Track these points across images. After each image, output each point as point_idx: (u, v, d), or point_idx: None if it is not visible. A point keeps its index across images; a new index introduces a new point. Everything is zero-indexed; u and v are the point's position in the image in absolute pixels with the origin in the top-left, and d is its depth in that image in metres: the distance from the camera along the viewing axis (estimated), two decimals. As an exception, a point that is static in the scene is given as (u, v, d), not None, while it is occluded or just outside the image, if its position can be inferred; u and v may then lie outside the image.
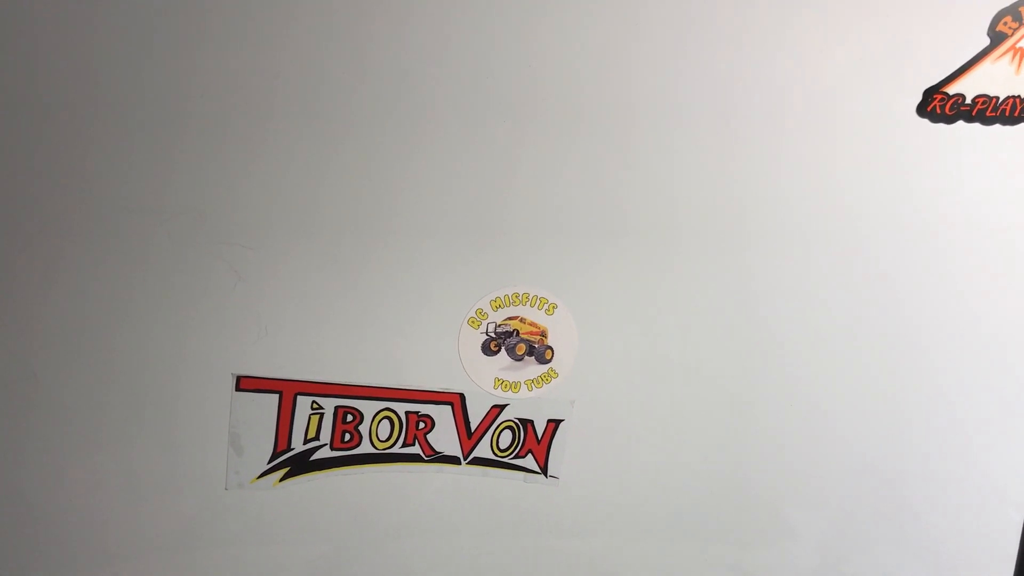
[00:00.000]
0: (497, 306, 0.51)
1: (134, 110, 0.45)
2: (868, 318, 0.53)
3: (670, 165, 0.49)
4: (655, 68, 0.47)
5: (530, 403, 0.53)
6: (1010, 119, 0.49)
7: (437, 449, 0.53)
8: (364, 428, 0.52)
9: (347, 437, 0.52)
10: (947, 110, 0.49)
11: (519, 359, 0.52)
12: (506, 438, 0.53)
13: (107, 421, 0.50)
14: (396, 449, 0.53)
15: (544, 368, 0.52)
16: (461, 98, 0.47)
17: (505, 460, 0.54)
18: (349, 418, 0.52)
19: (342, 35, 0.45)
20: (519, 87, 0.47)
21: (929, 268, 0.52)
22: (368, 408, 0.52)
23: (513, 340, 0.51)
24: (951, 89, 0.48)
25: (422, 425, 0.52)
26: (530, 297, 0.51)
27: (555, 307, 0.51)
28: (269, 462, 0.52)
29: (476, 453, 0.53)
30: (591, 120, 0.48)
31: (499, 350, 0.52)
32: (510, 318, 0.51)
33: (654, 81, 0.47)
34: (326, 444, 0.52)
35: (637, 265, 0.51)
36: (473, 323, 0.51)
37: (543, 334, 0.52)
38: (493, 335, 0.51)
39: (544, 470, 0.54)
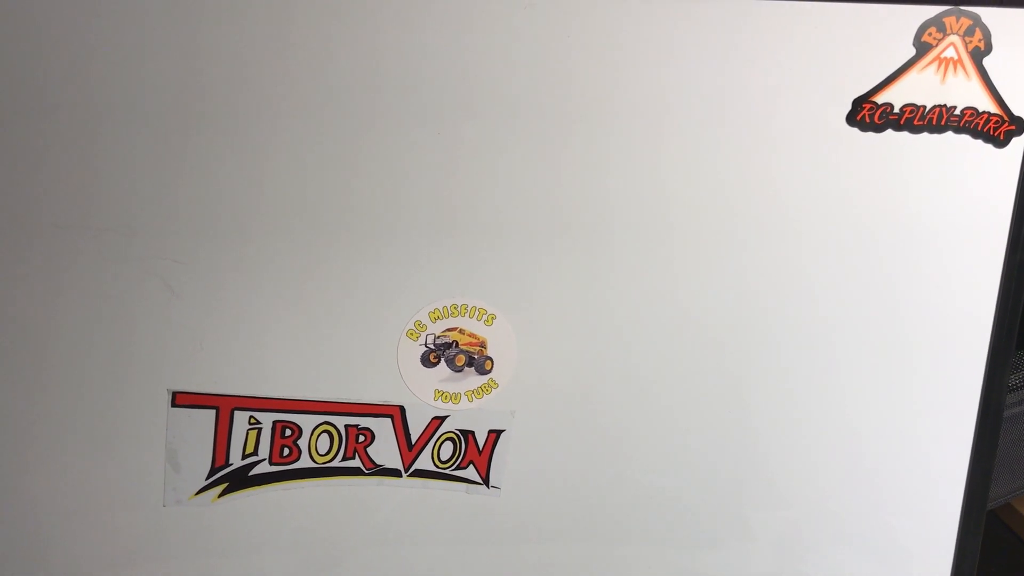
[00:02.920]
0: (436, 317, 0.51)
1: (57, 123, 0.45)
2: (810, 319, 0.54)
3: (604, 172, 0.49)
4: (589, 76, 0.47)
5: (471, 414, 0.53)
6: (937, 128, 0.50)
7: (377, 462, 0.53)
8: (303, 442, 0.52)
9: (286, 452, 0.52)
10: (876, 119, 0.49)
11: (459, 370, 0.52)
12: (447, 449, 0.53)
13: (41, 441, 0.49)
14: (336, 463, 0.52)
15: (484, 379, 0.52)
16: (389, 109, 0.46)
17: (446, 472, 0.53)
18: (287, 432, 0.51)
19: (267, 41, 0.45)
20: (448, 96, 0.47)
21: (859, 273, 0.53)
22: (307, 422, 0.51)
23: (452, 351, 0.51)
24: (880, 98, 0.49)
25: (362, 438, 0.52)
26: (469, 308, 0.51)
27: (494, 318, 0.51)
28: (207, 478, 0.51)
29: (417, 465, 0.53)
30: (523, 128, 0.48)
31: (439, 362, 0.52)
32: (449, 329, 0.51)
33: (588, 89, 0.48)
34: (265, 459, 0.52)
35: (575, 274, 0.51)
36: (412, 335, 0.51)
37: (483, 345, 0.52)
38: (432, 347, 0.51)
39: (486, 480, 0.54)
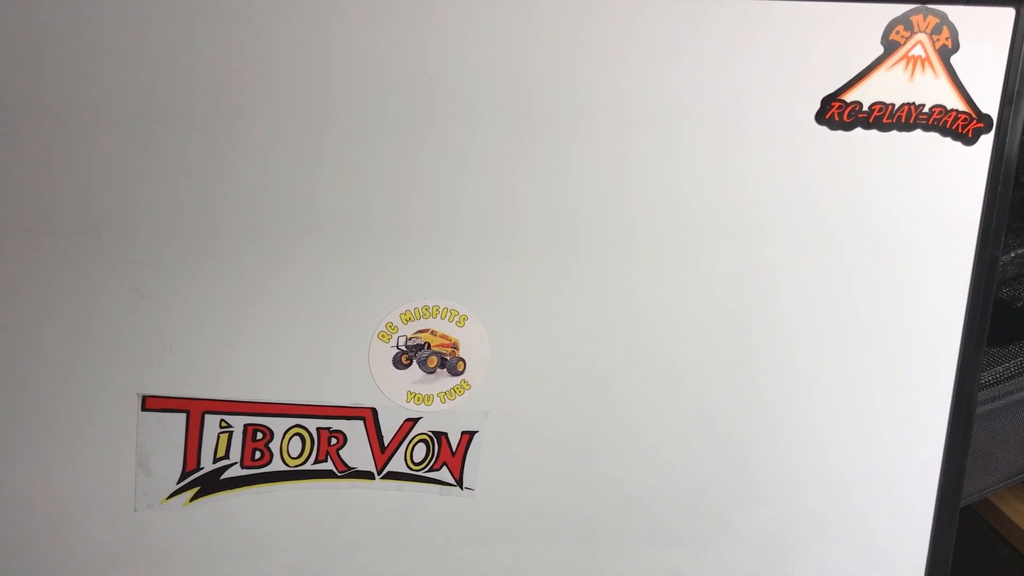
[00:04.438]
0: (407, 319, 0.51)
1: (20, 125, 0.44)
2: (782, 318, 0.54)
3: (572, 171, 0.49)
4: (557, 76, 0.47)
5: (443, 416, 0.53)
6: (906, 126, 0.50)
7: (350, 465, 0.52)
8: (275, 445, 0.51)
9: (257, 455, 0.51)
10: (845, 117, 0.49)
11: (431, 372, 0.52)
12: (420, 451, 0.53)
13: (10, 448, 0.49)
14: (308, 466, 0.52)
15: (456, 380, 0.52)
16: (355, 108, 0.46)
17: (420, 474, 0.53)
18: (259, 436, 0.51)
19: (230, 43, 0.45)
20: (417, 97, 0.46)
21: (831, 272, 0.53)
22: (278, 425, 0.51)
23: (424, 353, 0.51)
24: (848, 97, 0.49)
25: (334, 441, 0.52)
26: (440, 309, 0.51)
27: (466, 319, 0.51)
28: (179, 482, 0.51)
29: (390, 467, 0.53)
30: (493, 129, 0.48)
31: (410, 363, 0.51)
32: (421, 331, 0.51)
33: (556, 89, 0.47)
34: (236, 463, 0.51)
35: (546, 274, 0.51)
36: (383, 337, 0.51)
37: (455, 346, 0.52)
38: (404, 349, 0.51)
39: (459, 482, 0.54)
